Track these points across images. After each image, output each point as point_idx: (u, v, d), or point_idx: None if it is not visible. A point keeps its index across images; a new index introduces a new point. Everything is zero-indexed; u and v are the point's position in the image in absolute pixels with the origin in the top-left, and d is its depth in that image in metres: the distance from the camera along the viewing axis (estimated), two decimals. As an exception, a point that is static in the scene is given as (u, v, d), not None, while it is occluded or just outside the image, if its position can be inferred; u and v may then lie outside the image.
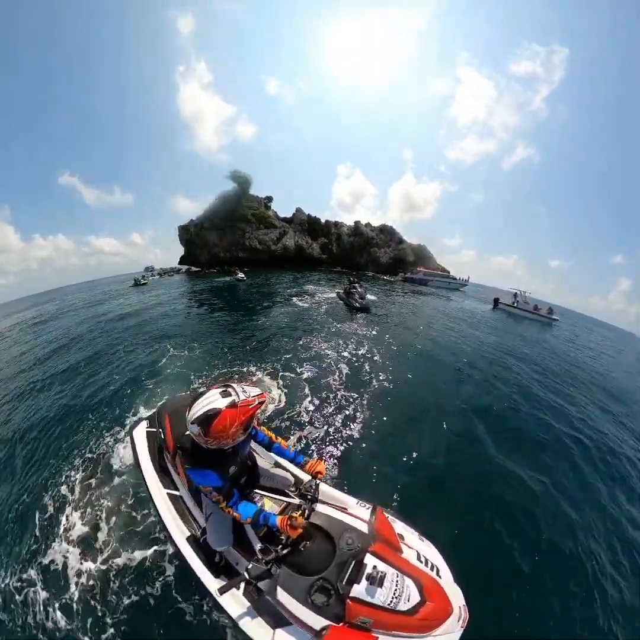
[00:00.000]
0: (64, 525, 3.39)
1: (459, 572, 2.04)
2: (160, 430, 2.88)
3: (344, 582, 1.74)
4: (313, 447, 4.50)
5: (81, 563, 3.02)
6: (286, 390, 5.89)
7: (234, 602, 2.02)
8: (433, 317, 16.89)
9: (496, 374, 8.24)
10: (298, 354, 7.93)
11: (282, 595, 1.79)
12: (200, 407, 1.74)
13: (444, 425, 5.32)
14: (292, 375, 6.57)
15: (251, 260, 40.62)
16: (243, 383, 1.93)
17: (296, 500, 2.40)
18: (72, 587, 2.85)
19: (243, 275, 26.31)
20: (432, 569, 1.95)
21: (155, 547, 3.06)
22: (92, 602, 2.72)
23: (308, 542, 1.93)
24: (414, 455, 4.46)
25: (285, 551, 1.83)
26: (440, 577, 1.93)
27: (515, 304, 24.58)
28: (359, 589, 1.70)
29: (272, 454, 2.58)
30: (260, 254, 41.48)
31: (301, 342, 8.85)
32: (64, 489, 3.85)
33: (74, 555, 3.09)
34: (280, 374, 6.58)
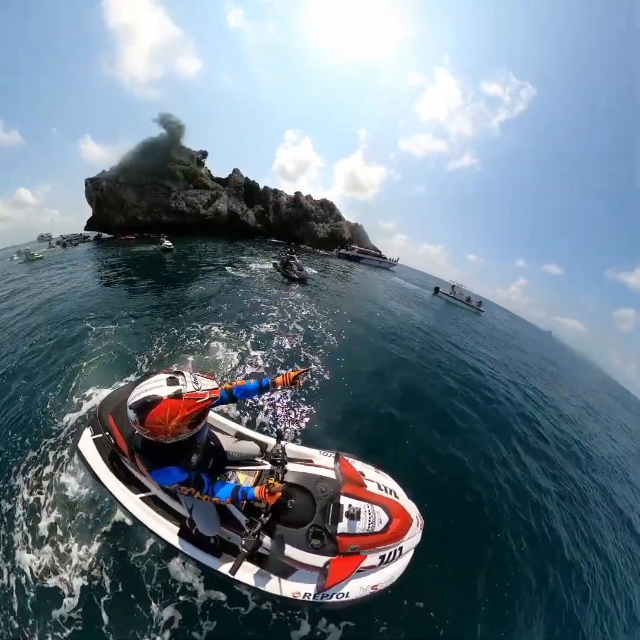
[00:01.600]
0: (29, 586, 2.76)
1: (410, 490, 2.62)
2: (108, 433, 2.68)
3: (329, 523, 2.14)
4: (274, 406, 4.87)
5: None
6: (235, 355, 6.17)
7: (244, 571, 2.20)
8: (371, 292, 18.86)
9: (423, 339, 10.55)
10: (241, 320, 8.12)
11: (288, 550, 2.08)
12: (140, 392, 1.57)
13: (382, 377, 6.54)
14: (239, 340, 6.89)
15: (176, 225, 35.96)
16: (199, 373, 1.77)
17: (268, 466, 2.47)
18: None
19: (170, 243, 22.89)
20: (390, 493, 2.44)
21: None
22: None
23: (292, 500, 2.22)
24: (357, 403, 5.40)
25: (268, 518, 2.00)
26: (397, 497, 2.44)
27: (452, 294, 28.87)
28: (342, 526, 2.12)
29: (235, 426, 2.89)
30: (188, 219, 37.20)
31: (242, 310, 9.04)
32: (17, 537, 3.10)
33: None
34: (226, 340, 6.77)
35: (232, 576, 2.08)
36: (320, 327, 8.74)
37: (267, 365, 6.05)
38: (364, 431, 4.82)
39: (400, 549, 2.29)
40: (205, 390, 1.68)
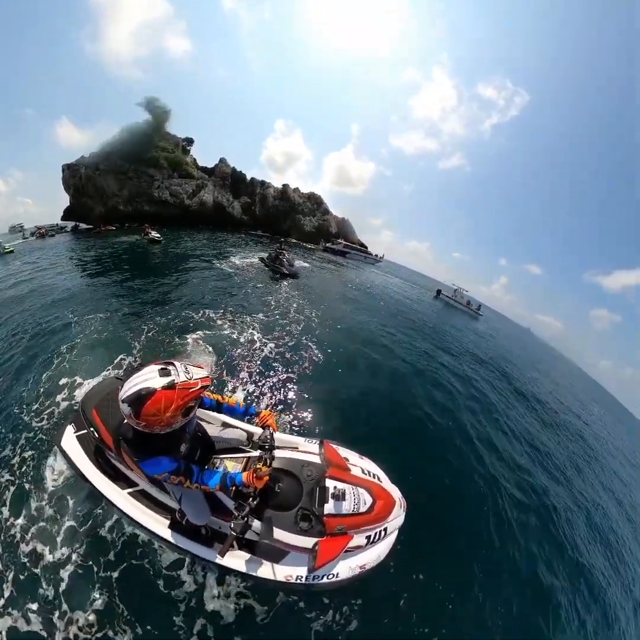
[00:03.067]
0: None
1: (392, 474, 2.77)
2: (92, 429, 2.64)
3: (317, 506, 2.23)
4: (262, 398, 5.06)
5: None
6: (224, 349, 6.21)
7: (236, 559, 2.29)
8: (361, 287, 19.41)
9: (414, 336, 11.22)
10: (230, 314, 8.14)
11: (277, 533, 2.14)
12: (132, 385, 1.57)
13: (370, 371, 6.86)
14: (229, 335, 6.91)
15: (159, 216, 34.78)
16: (188, 362, 1.78)
17: (255, 453, 2.51)
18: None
19: (158, 235, 21.68)
20: (374, 477, 2.56)
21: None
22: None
23: (280, 484, 2.32)
24: (343, 395, 5.57)
25: (256, 502, 2.07)
26: (381, 481, 2.57)
27: (454, 297, 30.48)
28: (329, 507, 2.22)
29: (221, 416, 2.78)
30: (171, 209, 36.10)
31: (231, 305, 9.00)
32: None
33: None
34: (216, 334, 6.82)
35: (221, 559, 2.13)
36: (308, 320, 8.87)
37: (258, 360, 6.06)
38: (348, 419, 5.00)
39: (385, 529, 2.40)
40: (196, 379, 1.69)
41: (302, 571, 2.20)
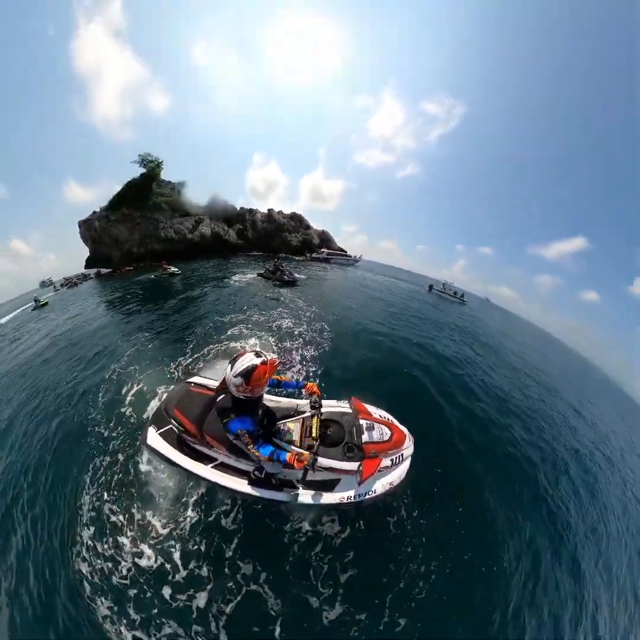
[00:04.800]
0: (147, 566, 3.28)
1: (400, 418, 3.50)
2: (175, 423, 3.13)
3: (356, 438, 2.91)
4: (301, 372, 6.35)
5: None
6: (259, 340, 7.75)
7: (305, 496, 2.85)
8: (356, 287, 21.91)
9: (406, 320, 13.21)
10: (254, 315, 9.77)
11: (333, 463, 2.79)
12: (242, 365, 2.24)
13: (377, 347, 8.39)
14: (256, 331, 8.36)
15: (168, 252, 39.28)
16: (260, 350, 2.44)
17: (308, 413, 3.10)
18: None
19: (176, 269, 23.42)
20: (387, 419, 3.29)
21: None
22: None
23: (330, 429, 3.03)
24: (358, 364, 7.02)
25: (318, 444, 2.81)
26: (393, 422, 3.30)
27: (443, 290, 34.63)
28: (365, 437, 2.90)
29: (274, 397, 3.57)
30: (177, 245, 40.73)
31: (251, 309, 10.58)
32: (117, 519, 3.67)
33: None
34: (247, 332, 8.22)
35: (295, 500, 2.80)
36: (314, 312, 10.65)
37: (288, 344, 7.49)
38: (365, 382, 6.21)
39: (402, 455, 3.05)
40: (274, 357, 2.37)
41: (351, 492, 2.83)
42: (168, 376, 6.11)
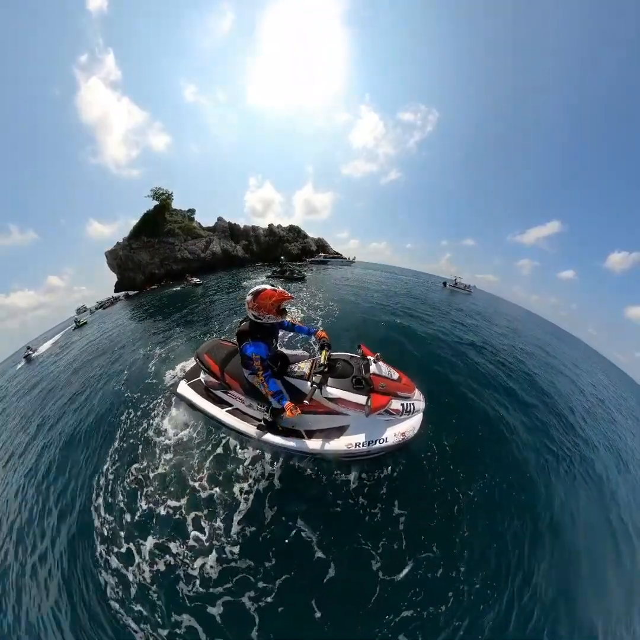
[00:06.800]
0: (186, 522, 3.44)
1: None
2: (205, 368, 3.46)
3: (364, 372, 2.96)
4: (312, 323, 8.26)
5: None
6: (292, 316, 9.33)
7: (313, 444, 2.87)
8: (345, 277, 24.34)
9: (420, 308, 14.35)
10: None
11: (340, 393, 2.80)
12: (254, 287, 2.63)
13: (387, 319, 10.13)
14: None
15: (184, 270, 43.40)
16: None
17: (318, 357, 3.22)
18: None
19: (199, 279, 28.63)
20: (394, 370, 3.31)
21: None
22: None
23: (338, 364, 3.15)
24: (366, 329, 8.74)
25: (326, 370, 2.88)
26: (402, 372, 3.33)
27: (455, 285, 39.18)
28: (373, 368, 2.96)
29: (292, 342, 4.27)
30: (192, 263, 45.12)
31: None
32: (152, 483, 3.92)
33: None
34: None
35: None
36: (325, 298, 12.79)
37: (313, 319, 9.34)
38: (364, 336, 7.82)
39: (413, 405, 2.98)
40: (288, 294, 2.63)
41: (361, 438, 2.74)
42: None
